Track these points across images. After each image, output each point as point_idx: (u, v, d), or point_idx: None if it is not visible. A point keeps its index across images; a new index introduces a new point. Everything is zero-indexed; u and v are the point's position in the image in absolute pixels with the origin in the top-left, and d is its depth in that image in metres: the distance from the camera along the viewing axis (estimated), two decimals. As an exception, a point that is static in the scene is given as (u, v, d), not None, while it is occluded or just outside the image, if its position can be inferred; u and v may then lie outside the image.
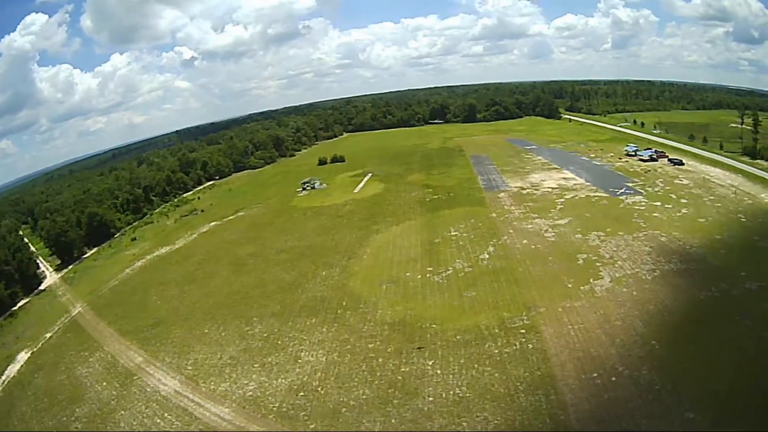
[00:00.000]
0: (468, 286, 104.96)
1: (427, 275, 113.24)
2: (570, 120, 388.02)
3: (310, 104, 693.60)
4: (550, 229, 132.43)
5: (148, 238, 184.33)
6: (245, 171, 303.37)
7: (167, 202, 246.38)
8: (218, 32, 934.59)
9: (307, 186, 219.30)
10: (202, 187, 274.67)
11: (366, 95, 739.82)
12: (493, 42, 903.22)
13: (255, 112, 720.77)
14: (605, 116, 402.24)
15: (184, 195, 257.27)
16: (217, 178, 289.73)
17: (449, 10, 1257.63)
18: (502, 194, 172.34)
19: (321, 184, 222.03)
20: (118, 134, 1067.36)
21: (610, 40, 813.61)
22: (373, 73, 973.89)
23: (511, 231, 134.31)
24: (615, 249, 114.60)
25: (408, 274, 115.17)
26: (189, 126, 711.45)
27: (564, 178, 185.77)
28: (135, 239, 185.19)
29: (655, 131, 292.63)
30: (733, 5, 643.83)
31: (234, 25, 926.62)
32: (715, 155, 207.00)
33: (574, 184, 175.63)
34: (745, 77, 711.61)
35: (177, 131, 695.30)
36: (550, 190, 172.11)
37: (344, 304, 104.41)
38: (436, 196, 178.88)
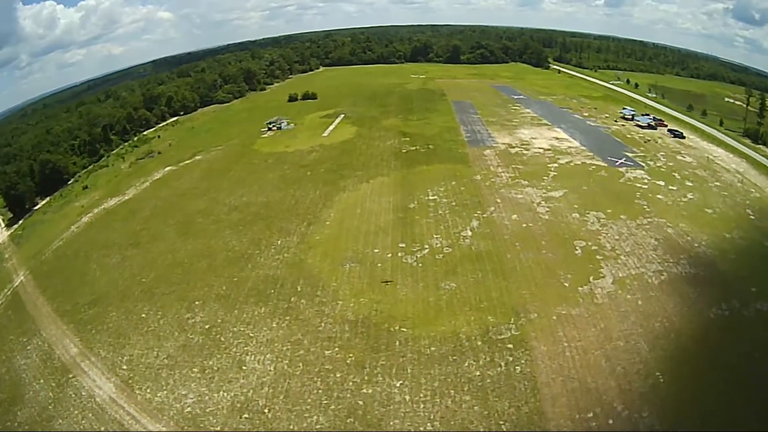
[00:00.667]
0: (446, 274, 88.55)
1: (399, 254, 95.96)
2: (559, 71, 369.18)
3: (289, 36, 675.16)
4: (543, 203, 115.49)
5: (100, 185, 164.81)
6: (212, 106, 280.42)
7: (127, 141, 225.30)
8: None
9: (273, 126, 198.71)
10: (165, 123, 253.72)
11: (348, 28, 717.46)
12: None
13: (233, 42, 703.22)
14: (596, 71, 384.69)
15: (145, 133, 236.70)
16: (182, 113, 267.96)
17: None
18: (488, 151, 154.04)
19: (288, 124, 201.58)
20: (96, 66, 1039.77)
21: None
22: (357, 7, 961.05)
23: (498, 200, 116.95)
24: (617, 238, 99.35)
25: (376, 250, 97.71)
26: (165, 56, 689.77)
27: (557, 138, 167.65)
28: (86, 187, 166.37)
29: (650, 95, 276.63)
30: None
31: None
32: (716, 132, 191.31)
33: (569, 147, 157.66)
34: (738, 53, 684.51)
35: (153, 61, 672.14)
36: (541, 151, 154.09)
37: (299, 288, 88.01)
38: (413, 148, 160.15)
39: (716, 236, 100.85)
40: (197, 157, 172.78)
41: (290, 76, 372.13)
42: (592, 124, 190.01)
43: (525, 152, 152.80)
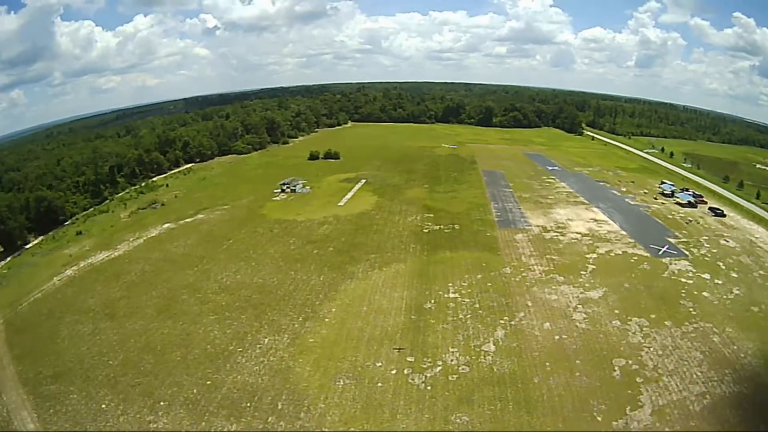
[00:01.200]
0: (460, 403, 72.05)
1: (406, 371, 78.92)
2: (593, 138, 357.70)
3: (323, 86, 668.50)
4: (580, 306, 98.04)
5: (94, 233, 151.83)
6: (230, 156, 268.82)
7: (134, 185, 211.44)
8: (245, 3, 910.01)
9: (287, 188, 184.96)
10: (178, 170, 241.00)
11: (381, 82, 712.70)
12: (517, 45, 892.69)
13: (267, 87, 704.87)
14: (629, 138, 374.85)
15: (155, 179, 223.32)
16: (198, 161, 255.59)
17: (479, 8, 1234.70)
18: (521, 236, 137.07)
19: (304, 186, 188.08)
20: (130, 95, 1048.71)
21: (634, 58, 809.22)
22: (393, 61, 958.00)
23: (529, 303, 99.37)
24: (660, 353, 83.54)
25: (379, 364, 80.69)
26: (198, 95, 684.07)
27: (595, 220, 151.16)
28: (80, 233, 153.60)
29: (685, 164, 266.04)
30: (764, 40, 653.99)
31: None
32: (754, 207, 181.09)
33: (608, 232, 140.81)
34: (763, 112, 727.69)
35: (185, 99, 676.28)
36: (579, 237, 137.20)
37: (280, 406, 71.97)
38: (437, 227, 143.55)
39: (762, 341, 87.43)
40: (200, 216, 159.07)
41: (316, 130, 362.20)
42: (632, 202, 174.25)
43: (561, 238, 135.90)
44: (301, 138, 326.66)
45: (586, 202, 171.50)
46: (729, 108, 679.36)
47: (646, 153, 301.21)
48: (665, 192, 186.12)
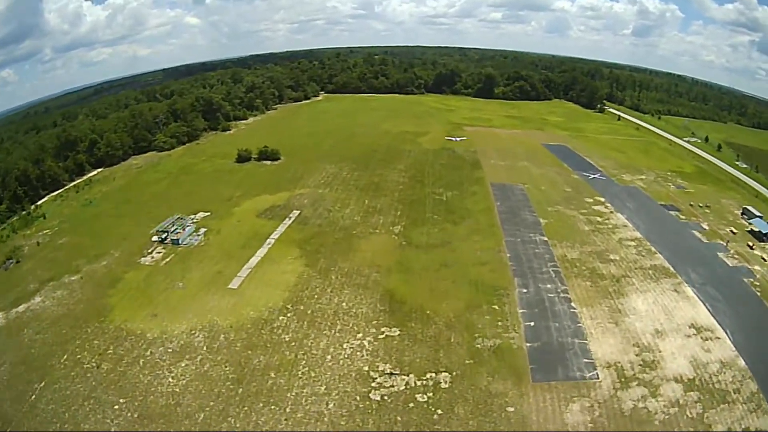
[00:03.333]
0: None
1: None
2: (619, 118, 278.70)
3: (309, 51, 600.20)
4: None
5: None
6: (149, 153, 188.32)
7: (13, 216, 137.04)
8: None
9: (167, 238, 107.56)
10: (82, 179, 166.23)
11: (374, 46, 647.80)
12: (513, 11, 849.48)
13: (257, 53, 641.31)
14: (658, 119, 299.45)
15: (39, 203, 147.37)
16: (110, 164, 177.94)
17: None
18: (576, 408, 64.12)
19: (194, 232, 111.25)
20: (120, 66, 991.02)
21: (631, 27, 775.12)
22: (386, 26, 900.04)
23: None
24: None
25: None
26: (183, 64, 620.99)
27: (695, 329, 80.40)
28: None
29: (740, 165, 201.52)
30: (765, 17, 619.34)
31: None
32: None
33: (722, 366, 72.20)
34: (760, 86, 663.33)
35: (164, 69, 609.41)
36: (680, 394, 66.82)
37: None
38: (403, 381, 68.90)
39: None
40: (33, 302, 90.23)
41: (276, 107, 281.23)
42: (726, 258, 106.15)
43: (650, 404, 64.98)
44: (251, 119, 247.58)
45: (670, 268, 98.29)
46: (726, 80, 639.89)
47: (689, 143, 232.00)
48: (756, 229, 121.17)
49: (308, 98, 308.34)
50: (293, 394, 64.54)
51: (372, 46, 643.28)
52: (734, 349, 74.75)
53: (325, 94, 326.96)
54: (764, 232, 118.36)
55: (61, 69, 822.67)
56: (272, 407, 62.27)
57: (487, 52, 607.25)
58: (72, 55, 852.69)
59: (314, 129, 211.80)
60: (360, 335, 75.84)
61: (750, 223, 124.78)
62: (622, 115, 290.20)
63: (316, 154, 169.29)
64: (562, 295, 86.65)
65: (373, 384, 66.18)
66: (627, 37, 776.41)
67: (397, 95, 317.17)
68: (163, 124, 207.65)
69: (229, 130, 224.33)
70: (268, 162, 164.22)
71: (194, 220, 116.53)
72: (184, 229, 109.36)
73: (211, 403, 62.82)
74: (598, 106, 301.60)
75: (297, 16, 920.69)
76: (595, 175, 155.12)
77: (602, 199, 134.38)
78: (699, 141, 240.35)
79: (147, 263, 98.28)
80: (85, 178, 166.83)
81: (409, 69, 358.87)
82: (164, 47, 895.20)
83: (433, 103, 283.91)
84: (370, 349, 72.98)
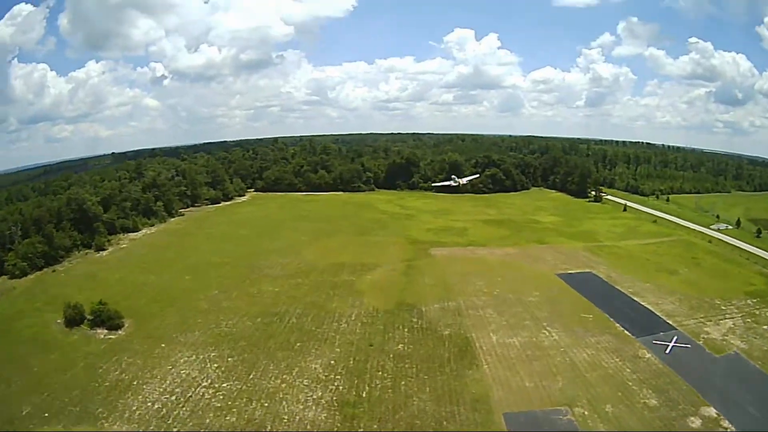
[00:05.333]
0: None
1: None
2: (625, 208, 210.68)
3: (270, 138, 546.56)
4: None
5: None
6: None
7: None
8: (191, 51, 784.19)
9: None
10: None
11: (328, 135, 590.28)
12: (464, 91, 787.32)
13: (214, 141, 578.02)
14: (666, 200, 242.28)
15: None
16: None
17: (426, 54, 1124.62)
18: None
19: None
20: (83, 145, 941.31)
21: (584, 97, 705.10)
22: (340, 113, 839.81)
23: None
24: None
25: None
26: (129, 150, 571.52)
27: None
28: None
29: None
30: (722, 64, 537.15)
31: (209, 46, 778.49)
32: None
33: None
34: (717, 140, 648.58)
35: (114, 153, 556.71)
36: None
37: None
38: None
39: None
40: None
41: (185, 210, 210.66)
42: None
43: None
44: (144, 232, 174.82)
45: None
46: (683, 140, 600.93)
47: (723, 232, 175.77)
48: None
49: (229, 198, 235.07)
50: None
51: (325, 135, 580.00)
52: None
53: (254, 193, 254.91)
54: None
55: (26, 141, 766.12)
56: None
57: (442, 136, 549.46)
58: (36, 128, 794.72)
59: (208, 257, 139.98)
60: None
61: None
62: (622, 201, 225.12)
63: (182, 318, 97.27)
64: None
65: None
66: (580, 109, 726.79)
67: (340, 193, 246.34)
68: (13, 240, 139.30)
69: (105, 249, 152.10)
70: (103, 332, 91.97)
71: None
72: None
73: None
74: (593, 193, 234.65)
75: (252, 102, 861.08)
76: (671, 342, 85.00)
77: (712, 411, 67.06)
78: (730, 227, 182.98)
79: None
80: None
81: (356, 159, 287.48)
82: (125, 129, 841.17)
83: (385, 205, 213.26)
84: None
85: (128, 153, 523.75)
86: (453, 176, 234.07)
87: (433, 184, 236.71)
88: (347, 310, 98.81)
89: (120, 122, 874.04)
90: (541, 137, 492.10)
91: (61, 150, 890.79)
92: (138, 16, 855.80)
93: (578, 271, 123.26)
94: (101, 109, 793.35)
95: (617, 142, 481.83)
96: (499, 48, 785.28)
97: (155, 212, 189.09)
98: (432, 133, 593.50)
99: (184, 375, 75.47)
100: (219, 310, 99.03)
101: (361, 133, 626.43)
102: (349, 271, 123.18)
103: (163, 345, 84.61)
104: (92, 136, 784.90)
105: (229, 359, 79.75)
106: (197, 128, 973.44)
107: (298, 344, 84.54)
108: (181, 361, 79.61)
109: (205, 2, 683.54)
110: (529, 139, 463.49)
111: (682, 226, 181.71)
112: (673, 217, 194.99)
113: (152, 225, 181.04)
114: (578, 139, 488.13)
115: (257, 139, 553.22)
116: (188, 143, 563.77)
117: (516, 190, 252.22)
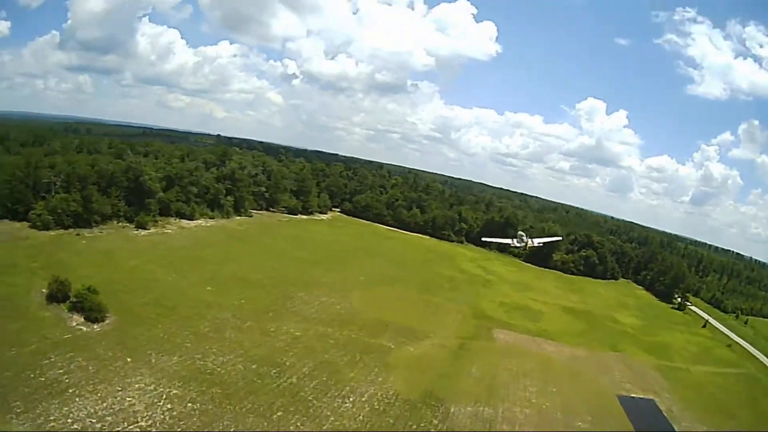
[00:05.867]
0: None
1: None
2: (705, 324, 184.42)
3: (370, 161, 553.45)
4: None
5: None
6: (21, 224, 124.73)
7: None
8: (328, 58, 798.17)
9: None
10: None
11: (439, 173, 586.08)
12: (582, 162, 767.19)
13: (326, 151, 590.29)
14: (745, 323, 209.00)
15: None
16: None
17: (556, 117, 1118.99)
18: None
19: None
20: (193, 120, 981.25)
21: (690, 193, 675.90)
22: (456, 155, 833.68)
23: None
24: None
25: None
26: (236, 137, 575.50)
27: None
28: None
29: None
30: None
31: (347, 57, 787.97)
32: None
33: None
34: None
35: (219, 135, 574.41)
36: None
37: None
38: None
39: None
40: None
41: (255, 212, 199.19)
42: None
43: None
44: (198, 222, 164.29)
45: None
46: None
47: None
48: None
49: (309, 212, 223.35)
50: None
51: (435, 173, 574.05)
52: None
53: (337, 213, 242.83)
54: None
55: (137, 98, 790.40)
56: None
57: (548, 203, 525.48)
58: (152, 90, 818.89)
59: (246, 271, 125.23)
60: None
61: None
62: (703, 314, 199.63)
63: (170, 334, 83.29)
64: None
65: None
66: (684, 204, 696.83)
67: (427, 238, 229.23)
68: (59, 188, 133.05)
69: (145, 228, 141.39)
70: (78, 321, 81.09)
71: None
72: None
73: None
74: (678, 299, 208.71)
75: (375, 123, 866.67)
76: None
77: None
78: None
79: None
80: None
81: (456, 206, 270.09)
82: (240, 116, 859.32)
83: (467, 263, 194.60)
84: None
85: (234, 139, 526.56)
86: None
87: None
88: (362, 387, 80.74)
89: (237, 107, 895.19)
90: (642, 226, 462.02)
91: (169, 117, 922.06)
92: (282, 8, 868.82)
93: (641, 396, 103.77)
94: (222, 90, 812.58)
95: (710, 246, 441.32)
96: (624, 126, 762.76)
97: (222, 205, 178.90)
98: (539, 197, 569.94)
99: (126, 404, 62.27)
100: (217, 339, 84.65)
101: (471, 180, 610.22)
102: (392, 334, 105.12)
103: (129, 359, 71.74)
104: (206, 113, 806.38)
105: (189, 405, 64.91)
106: (313, 134, 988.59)
107: (279, 414, 67.86)
108: (136, 386, 66.02)
109: (354, 13, 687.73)
110: (631, 226, 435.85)
111: (754, 356, 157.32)
112: (746, 344, 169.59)
113: (212, 218, 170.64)
114: (676, 236, 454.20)
115: (368, 160, 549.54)
116: (299, 146, 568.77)
117: (605, 278, 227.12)
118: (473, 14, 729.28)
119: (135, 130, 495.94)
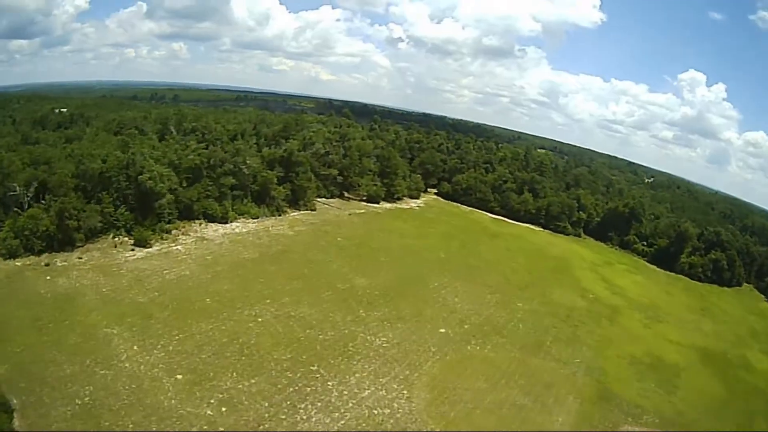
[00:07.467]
0: None
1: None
2: None
3: (478, 124, 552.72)
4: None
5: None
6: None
7: None
8: (434, 22, 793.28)
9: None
10: None
11: (545, 138, 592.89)
12: (684, 133, 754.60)
13: (434, 113, 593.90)
14: None
15: None
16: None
17: (660, 86, 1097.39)
18: None
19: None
20: (298, 82, 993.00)
21: None
22: (564, 120, 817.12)
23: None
24: None
25: None
26: (348, 99, 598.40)
27: None
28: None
29: None
30: None
31: (453, 21, 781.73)
32: None
33: None
34: None
35: (331, 100, 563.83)
36: None
37: None
38: None
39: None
40: None
41: (320, 202, 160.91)
42: None
43: None
44: (234, 226, 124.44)
45: None
46: None
47: None
48: None
49: (395, 198, 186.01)
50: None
51: (545, 137, 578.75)
52: None
53: (433, 196, 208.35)
54: None
55: (237, 64, 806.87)
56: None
57: (654, 172, 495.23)
58: (252, 54, 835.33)
59: (264, 331, 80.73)
60: None
61: None
62: None
63: None
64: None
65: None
66: None
67: (539, 230, 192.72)
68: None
69: (145, 247, 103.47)
70: None
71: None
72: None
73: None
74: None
75: (483, 86, 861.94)
76: None
77: None
78: None
79: None
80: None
81: (572, 186, 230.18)
82: (347, 78, 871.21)
83: (587, 275, 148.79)
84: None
85: (335, 102, 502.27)
86: None
87: None
88: None
89: (343, 70, 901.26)
90: (744, 201, 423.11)
91: (273, 81, 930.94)
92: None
93: None
94: (327, 53, 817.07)
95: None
96: (723, 99, 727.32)
97: (273, 198, 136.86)
98: (643, 166, 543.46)
99: None
100: None
101: (579, 146, 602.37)
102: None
103: None
104: (312, 76, 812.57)
105: None
106: (421, 97, 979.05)
107: None
108: None
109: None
110: (746, 208, 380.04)
111: None
112: None
113: (256, 217, 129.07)
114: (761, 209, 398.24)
115: (476, 123, 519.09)
116: (408, 108, 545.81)
117: (730, 285, 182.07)
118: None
119: (230, 94, 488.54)
